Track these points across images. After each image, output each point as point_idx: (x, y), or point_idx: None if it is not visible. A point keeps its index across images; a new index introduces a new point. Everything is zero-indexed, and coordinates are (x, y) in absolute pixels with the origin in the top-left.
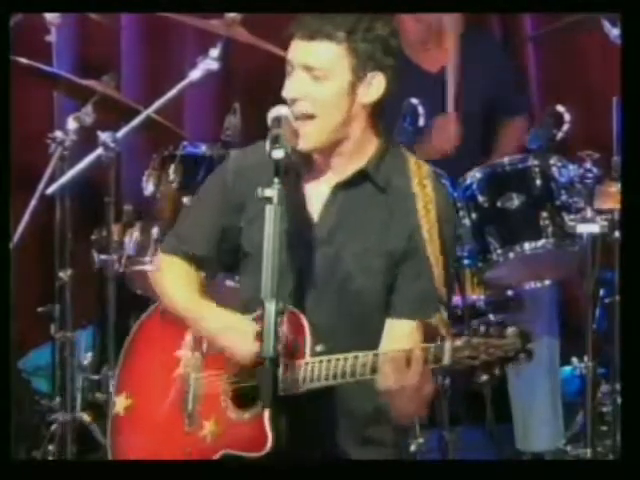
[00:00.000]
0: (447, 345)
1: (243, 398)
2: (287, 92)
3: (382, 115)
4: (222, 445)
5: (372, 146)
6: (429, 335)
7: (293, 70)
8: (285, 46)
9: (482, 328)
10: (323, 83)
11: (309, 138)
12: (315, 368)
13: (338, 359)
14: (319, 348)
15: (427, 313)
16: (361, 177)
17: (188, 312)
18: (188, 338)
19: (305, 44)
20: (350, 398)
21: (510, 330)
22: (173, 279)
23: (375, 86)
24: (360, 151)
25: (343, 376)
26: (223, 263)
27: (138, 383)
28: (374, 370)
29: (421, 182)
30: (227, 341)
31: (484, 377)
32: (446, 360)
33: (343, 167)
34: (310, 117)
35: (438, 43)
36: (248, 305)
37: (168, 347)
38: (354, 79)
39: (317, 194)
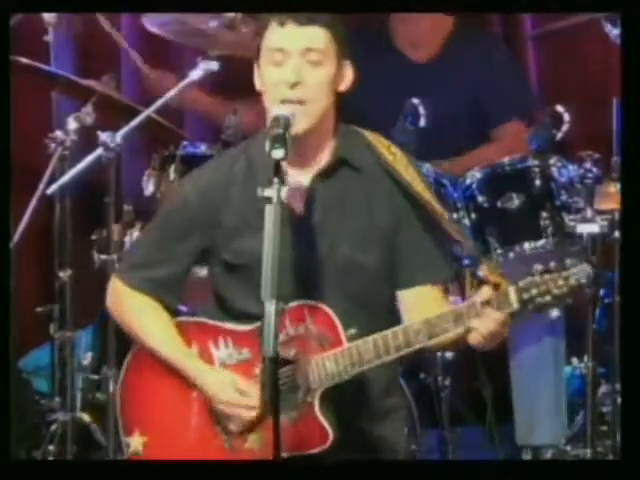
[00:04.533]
0: (510, 289)
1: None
2: (288, 76)
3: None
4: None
5: (332, 133)
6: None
7: (287, 56)
8: None
9: (539, 267)
10: (318, 68)
11: (300, 123)
12: (362, 349)
13: (385, 335)
14: (352, 331)
15: (442, 274)
16: (338, 163)
17: (171, 361)
18: None
19: (299, 29)
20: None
21: (571, 262)
22: (149, 321)
23: (347, 75)
24: (326, 139)
25: (397, 350)
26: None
27: (148, 417)
28: (431, 336)
29: (389, 150)
30: (226, 401)
31: (555, 312)
32: (515, 304)
33: (316, 156)
34: (302, 102)
35: (428, 35)
36: (245, 314)
37: (172, 372)
38: (337, 66)
39: (296, 186)
